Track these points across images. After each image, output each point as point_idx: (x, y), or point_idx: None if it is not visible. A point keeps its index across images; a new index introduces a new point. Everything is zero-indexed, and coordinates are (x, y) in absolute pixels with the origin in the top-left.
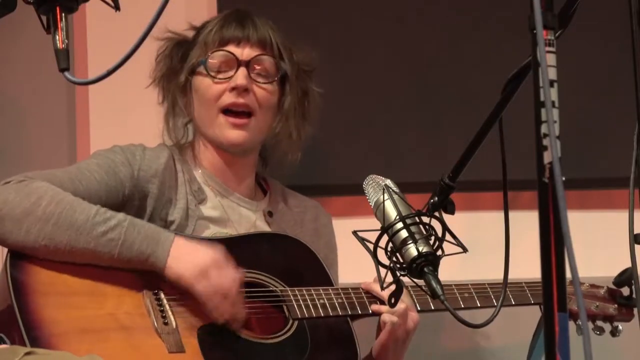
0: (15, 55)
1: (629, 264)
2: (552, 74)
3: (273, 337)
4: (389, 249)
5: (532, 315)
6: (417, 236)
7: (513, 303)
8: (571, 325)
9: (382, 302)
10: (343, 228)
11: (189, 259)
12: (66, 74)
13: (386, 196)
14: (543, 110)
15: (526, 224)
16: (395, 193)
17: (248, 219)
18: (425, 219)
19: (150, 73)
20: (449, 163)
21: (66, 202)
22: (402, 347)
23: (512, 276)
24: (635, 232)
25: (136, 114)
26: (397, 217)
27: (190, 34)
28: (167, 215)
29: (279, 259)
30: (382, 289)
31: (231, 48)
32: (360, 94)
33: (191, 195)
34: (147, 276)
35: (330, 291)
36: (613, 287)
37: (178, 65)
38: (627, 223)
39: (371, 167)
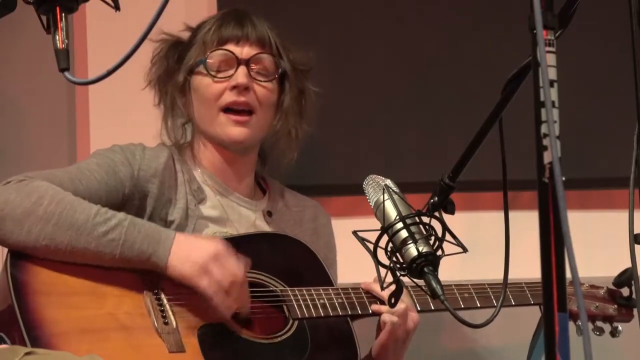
0: (15, 55)
1: (629, 264)
2: (552, 74)
3: (273, 337)
4: (389, 249)
5: (532, 315)
6: (417, 236)
7: (513, 303)
8: (571, 325)
9: (382, 302)
10: (343, 228)
11: (189, 256)
12: (66, 74)
13: (386, 196)
14: (543, 110)
15: (526, 224)
16: (395, 193)
17: (247, 218)
18: (425, 219)
19: (145, 75)
20: (449, 163)
21: (67, 201)
22: (402, 347)
23: (512, 276)
24: (635, 232)
25: (136, 114)
26: (397, 217)
27: (185, 34)
28: (166, 215)
29: (279, 259)
30: (382, 289)
31: (230, 47)
32: (360, 94)
33: (191, 195)
34: (147, 276)
35: (330, 291)
36: (613, 287)
37: (175, 66)
38: (627, 223)
39: (371, 167)
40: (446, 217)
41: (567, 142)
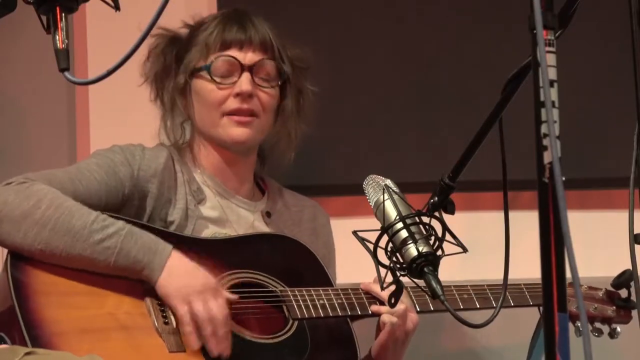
0: (15, 55)
1: (628, 264)
2: (552, 74)
3: (273, 337)
4: (389, 249)
5: (532, 315)
6: (417, 236)
7: (512, 304)
8: (570, 327)
9: (381, 303)
10: (343, 228)
11: (180, 279)
12: (66, 74)
13: (386, 196)
14: (543, 110)
15: (526, 224)
16: (395, 193)
17: (246, 219)
18: (425, 219)
19: (141, 70)
20: (449, 163)
21: (65, 207)
22: (402, 347)
23: (512, 276)
24: (635, 232)
25: (136, 114)
26: (397, 217)
27: (183, 31)
28: (166, 216)
29: (278, 260)
30: (382, 289)
31: (234, 52)
32: (360, 94)
33: (190, 195)
34: None
35: (330, 291)
36: (611, 289)
37: (173, 64)
38: (627, 223)
39: (371, 167)
40: (446, 217)
41: (567, 142)
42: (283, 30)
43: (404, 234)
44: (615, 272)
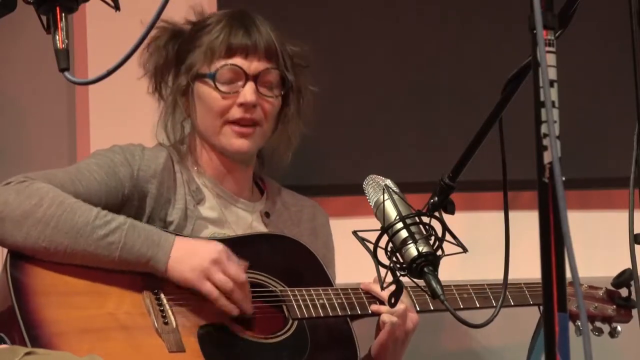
0: (15, 55)
1: (629, 264)
2: (552, 74)
3: (273, 337)
4: (389, 249)
5: (532, 315)
6: (417, 236)
7: (512, 304)
8: (570, 326)
9: (381, 302)
10: (343, 228)
11: (190, 261)
12: (66, 74)
13: (386, 196)
14: (543, 110)
15: (526, 224)
16: (395, 193)
17: (245, 220)
18: (425, 219)
19: (140, 62)
20: (449, 163)
21: (67, 204)
22: (401, 347)
23: (512, 276)
24: (635, 232)
25: (136, 114)
26: (397, 217)
27: (185, 26)
28: (166, 216)
29: (278, 260)
30: (382, 289)
31: (239, 61)
32: (360, 94)
33: (189, 195)
34: (147, 276)
35: (330, 291)
36: (612, 288)
37: (174, 60)
38: (627, 223)
39: (371, 167)
40: (446, 217)
41: (567, 142)
42: (283, 30)
43: (404, 234)
44: (615, 272)
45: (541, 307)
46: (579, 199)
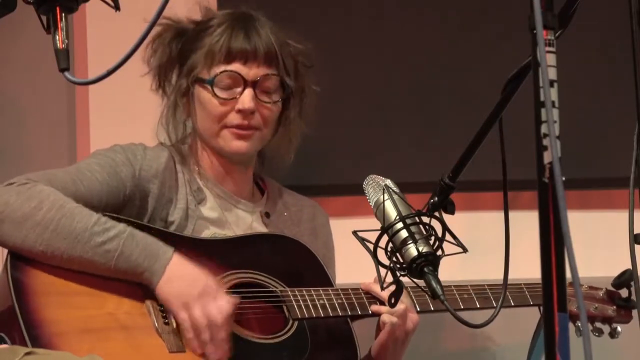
0: (15, 55)
1: (629, 264)
2: (552, 74)
3: (273, 337)
4: (389, 249)
5: (532, 315)
6: (417, 236)
7: (512, 304)
8: (570, 326)
9: (381, 303)
10: (343, 228)
11: (179, 285)
12: (66, 74)
13: (386, 196)
14: (543, 110)
15: (526, 224)
16: (395, 193)
17: (245, 220)
18: (425, 219)
19: (144, 57)
20: (449, 163)
21: (67, 209)
22: (401, 347)
23: (512, 276)
24: (635, 232)
25: (136, 113)
26: (397, 217)
27: (189, 25)
28: (167, 216)
29: (278, 260)
30: (382, 289)
31: (238, 66)
32: (360, 93)
33: (191, 195)
34: None
35: (330, 292)
36: (612, 288)
37: (177, 58)
38: (627, 223)
39: (371, 167)
40: (446, 217)
41: (567, 142)
42: (287, 29)
43: (404, 234)
44: (615, 272)
45: (541, 308)
46: (579, 199)
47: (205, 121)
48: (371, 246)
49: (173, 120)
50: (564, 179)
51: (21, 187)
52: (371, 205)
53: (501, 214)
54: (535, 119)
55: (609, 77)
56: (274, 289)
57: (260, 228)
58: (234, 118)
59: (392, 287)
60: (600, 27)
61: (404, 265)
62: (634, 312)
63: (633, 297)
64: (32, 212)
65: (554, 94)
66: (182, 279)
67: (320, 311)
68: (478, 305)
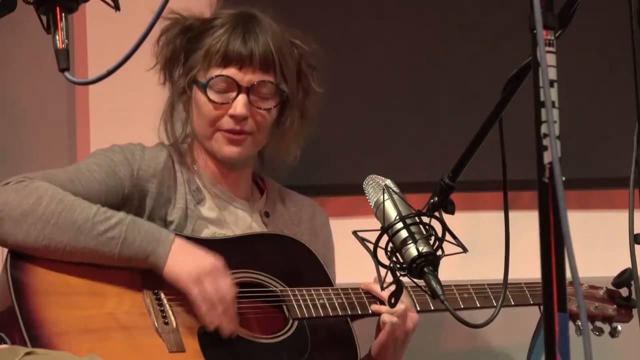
0: (15, 55)
1: (629, 264)
2: (552, 74)
3: (273, 337)
4: (389, 249)
5: (532, 315)
6: (417, 236)
7: (512, 303)
8: (570, 325)
9: (381, 302)
10: (343, 228)
11: (188, 261)
12: (66, 74)
13: (386, 196)
14: (543, 110)
15: (526, 224)
16: (395, 193)
17: (244, 220)
18: (425, 219)
19: (153, 51)
20: (449, 163)
21: (66, 202)
22: (401, 347)
23: (512, 276)
24: (635, 232)
25: (136, 113)
26: (397, 217)
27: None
28: (166, 215)
29: (278, 259)
30: (382, 289)
31: (232, 72)
32: (360, 94)
33: (190, 195)
34: (147, 276)
35: (330, 291)
36: (612, 288)
37: (180, 56)
38: (627, 223)
39: (371, 167)
40: (446, 217)
41: (567, 142)
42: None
43: (404, 234)
44: (615, 272)
45: (541, 307)
46: (579, 199)
47: (200, 123)
48: (371, 246)
49: (171, 119)
50: (564, 179)
51: (18, 185)
52: (371, 205)
53: (501, 214)
54: (535, 119)
55: (609, 77)
56: (274, 288)
57: (259, 228)
58: (226, 122)
59: (392, 287)
60: (600, 27)
61: (404, 265)
62: (634, 311)
63: (633, 296)
64: (32, 208)
65: (554, 94)
66: (188, 257)
67: (320, 311)
68: (478, 305)
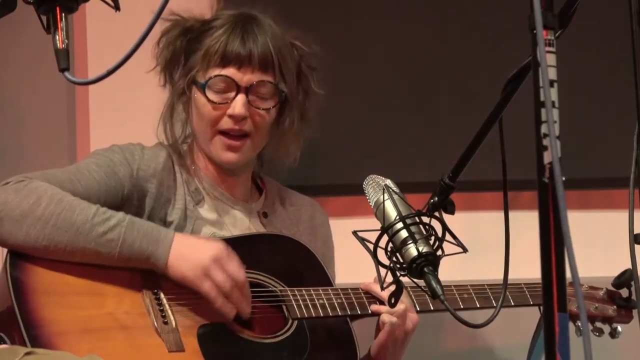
0: (15, 55)
1: (629, 264)
2: (552, 74)
3: (273, 337)
4: (389, 249)
5: (532, 315)
6: (417, 236)
7: (512, 304)
8: (570, 326)
9: (381, 302)
10: (343, 228)
11: (190, 258)
12: (66, 74)
13: (386, 196)
14: (543, 110)
15: (526, 224)
16: (395, 193)
17: (242, 222)
18: (425, 219)
19: (153, 53)
20: (449, 163)
21: (65, 202)
22: (401, 347)
23: (512, 276)
24: (635, 232)
25: (136, 113)
26: (397, 217)
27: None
28: (165, 216)
29: (278, 259)
30: (382, 289)
31: (231, 71)
32: (360, 94)
33: (189, 195)
34: (146, 275)
35: (330, 291)
36: (612, 288)
37: (180, 57)
38: (627, 223)
39: (371, 167)
40: (446, 217)
41: (567, 142)
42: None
43: (404, 234)
44: (615, 272)
45: (541, 307)
46: (579, 199)
47: (199, 124)
48: (371, 246)
49: (170, 120)
50: (564, 179)
51: (18, 185)
52: (371, 205)
53: (501, 214)
54: (535, 119)
55: (609, 77)
56: (274, 288)
57: (258, 229)
58: (226, 122)
59: (392, 287)
60: (600, 27)
61: (404, 265)
62: (635, 312)
63: (633, 297)
64: (31, 209)
65: (554, 94)
66: (189, 253)
67: (320, 311)
68: (478, 305)
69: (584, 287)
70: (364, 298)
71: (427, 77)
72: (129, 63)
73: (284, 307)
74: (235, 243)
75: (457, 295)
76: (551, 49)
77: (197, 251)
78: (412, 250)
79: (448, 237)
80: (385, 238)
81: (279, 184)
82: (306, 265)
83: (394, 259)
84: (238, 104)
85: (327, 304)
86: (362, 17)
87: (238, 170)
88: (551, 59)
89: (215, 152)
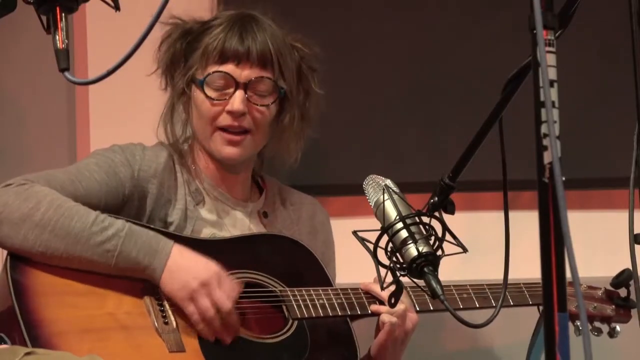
0: (15, 55)
1: (628, 264)
2: (552, 74)
3: (273, 337)
4: (389, 249)
5: (532, 315)
6: (417, 236)
7: (512, 304)
8: (569, 326)
9: (381, 302)
10: (343, 228)
11: (180, 278)
12: (66, 74)
13: (386, 196)
14: (543, 110)
15: (526, 224)
16: (395, 193)
17: (242, 222)
18: (425, 219)
19: (155, 57)
20: (449, 163)
21: (65, 208)
22: (401, 347)
23: (512, 276)
24: (635, 232)
25: (136, 113)
26: (397, 217)
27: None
28: (166, 216)
29: (277, 260)
30: (382, 289)
31: (230, 67)
32: (360, 94)
33: (190, 196)
34: None
35: (330, 291)
36: (611, 288)
37: (180, 59)
38: (627, 223)
39: (371, 167)
40: (446, 217)
41: (567, 142)
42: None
43: (404, 234)
44: (615, 272)
45: (541, 307)
46: (579, 199)
47: (199, 122)
48: (371, 246)
49: (171, 121)
50: (564, 179)
51: (19, 188)
52: (371, 205)
53: (501, 214)
54: (535, 119)
55: (609, 77)
56: (274, 288)
57: (258, 229)
58: (225, 119)
59: (392, 287)
60: (600, 27)
61: (404, 265)
62: (633, 312)
63: (632, 296)
64: (30, 213)
65: (554, 94)
66: (183, 270)
67: (320, 311)
68: (477, 305)
69: (583, 286)
70: (364, 298)
71: (427, 77)
72: (129, 63)
73: (284, 307)
74: (235, 243)
75: (456, 295)
76: (551, 49)
77: (189, 272)
78: (412, 250)
79: (448, 237)
80: (385, 238)
81: (279, 183)
82: (306, 266)
83: (394, 259)
84: (236, 100)
85: (327, 304)
86: (362, 17)
87: (239, 167)
88: (551, 59)
89: (215, 148)
